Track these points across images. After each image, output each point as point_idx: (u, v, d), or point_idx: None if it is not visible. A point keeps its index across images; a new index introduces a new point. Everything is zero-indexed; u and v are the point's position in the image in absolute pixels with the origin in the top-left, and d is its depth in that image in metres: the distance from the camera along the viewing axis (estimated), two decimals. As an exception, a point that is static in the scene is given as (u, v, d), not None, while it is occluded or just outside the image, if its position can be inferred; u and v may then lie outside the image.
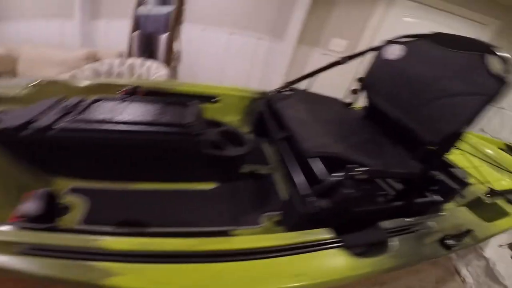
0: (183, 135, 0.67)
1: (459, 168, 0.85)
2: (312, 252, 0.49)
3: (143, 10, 2.23)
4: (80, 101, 0.77)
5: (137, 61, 2.35)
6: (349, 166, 0.54)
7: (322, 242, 0.51)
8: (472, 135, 1.46)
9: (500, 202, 0.90)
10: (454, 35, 0.76)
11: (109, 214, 0.66)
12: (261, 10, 2.18)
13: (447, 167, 0.81)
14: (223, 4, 2.26)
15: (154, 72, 2.20)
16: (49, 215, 0.57)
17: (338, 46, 2.19)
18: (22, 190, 0.65)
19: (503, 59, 0.59)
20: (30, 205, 0.53)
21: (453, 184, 0.73)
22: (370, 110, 1.01)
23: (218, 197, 0.76)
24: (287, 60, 2.23)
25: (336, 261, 0.50)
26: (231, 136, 0.87)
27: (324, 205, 0.52)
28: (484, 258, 1.28)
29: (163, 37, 2.26)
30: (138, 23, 2.30)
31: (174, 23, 2.16)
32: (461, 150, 1.33)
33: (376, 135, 0.83)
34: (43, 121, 0.67)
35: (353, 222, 0.59)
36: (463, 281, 1.24)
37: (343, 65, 1.06)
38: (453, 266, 1.32)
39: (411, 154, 0.73)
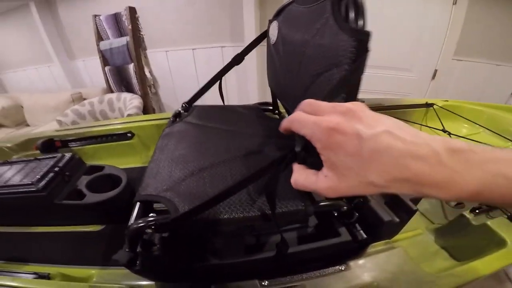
0: (31, 193, 0.71)
1: None
2: None
3: (105, 44, 2.29)
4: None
5: (113, 96, 2.42)
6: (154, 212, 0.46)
7: None
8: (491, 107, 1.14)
9: (494, 222, 0.57)
10: None
11: (7, 253, 0.79)
12: (214, 21, 2.13)
13: None
14: (178, 25, 2.25)
15: (129, 103, 2.25)
16: None
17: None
18: None
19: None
20: None
21: (384, 213, 0.46)
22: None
23: (101, 238, 0.78)
24: (254, 62, 2.13)
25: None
26: (109, 180, 0.83)
27: (123, 259, 0.44)
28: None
29: (131, 67, 2.29)
30: (105, 58, 2.36)
31: (135, 51, 2.18)
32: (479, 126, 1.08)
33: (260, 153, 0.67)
34: None
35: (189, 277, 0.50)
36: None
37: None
38: (504, 272, 1.06)
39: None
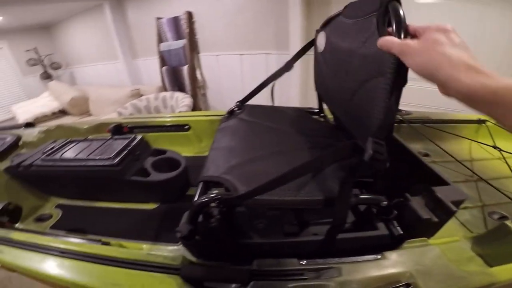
0: (107, 167, 0.82)
1: (452, 185, 0.55)
2: (144, 271, 0.51)
3: (165, 46, 2.52)
4: (59, 144, 0.97)
5: (167, 94, 2.66)
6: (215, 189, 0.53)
7: (162, 266, 0.51)
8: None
9: None
10: (359, 0, 0.58)
11: (70, 223, 0.89)
12: (261, 28, 2.23)
13: (431, 183, 0.55)
14: (229, 30, 2.39)
15: (180, 102, 2.46)
16: (10, 219, 0.75)
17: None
18: (34, 207, 0.94)
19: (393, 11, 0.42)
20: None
21: (423, 212, 0.49)
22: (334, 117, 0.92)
23: (155, 216, 0.87)
24: (298, 70, 2.19)
25: (160, 285, 0.49)
26: (170, 163, 0.94)
27: (184, 231, 0.51)
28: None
29: (185, 69, 2.50)
30: (163, 59, 2.60)
31: (190, 54, 2.38)
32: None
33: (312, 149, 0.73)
34: (28, 161, 0.90)
35: (242, 253, 0.56)
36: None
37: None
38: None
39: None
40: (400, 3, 0.43)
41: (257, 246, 0.56)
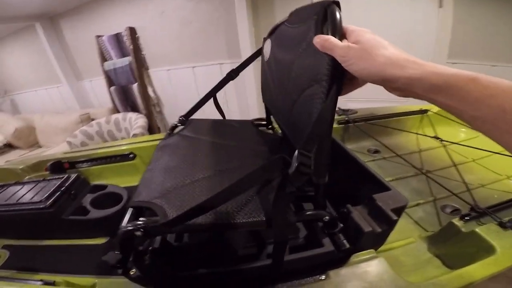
0: (40, 210, 0.80)
1: (393, 190, 0.52)
2: None
3: (109, 64, 2.38)
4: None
5: (120, 115, 2.50)
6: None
7: None
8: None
9: (483, 229, 0.57)
10: (301, 7, 0.57)
11: (20, 263, 0.84)
12: (211, 38, 2.19)
13: (376, 187, 0.54)
14: (177, 43, 2.31)
15: (134, 123, 2.32)
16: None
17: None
18: None
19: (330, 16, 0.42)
20: None
21: (364, 224, 0.46)
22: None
23: (106, 250, 0.82)
24: (253, 76, 2.17)
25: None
26: (111, 197, 0.91)
27: (112, 260, 0.46)
28: None
29: (135, 87, 2.38)
30: (110, 78, 2.46)
31: (138, 71, 2.26)
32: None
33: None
34: None
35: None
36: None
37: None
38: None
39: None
40: (339, 7, 0.42)
41: (203, 276, 0.51)
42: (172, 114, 2.72)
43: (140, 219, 0.46)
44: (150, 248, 0.47)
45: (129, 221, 0.49)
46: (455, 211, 0.76)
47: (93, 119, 2.76)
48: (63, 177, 0.93)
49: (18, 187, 0.93)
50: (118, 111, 2.61)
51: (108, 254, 0.46)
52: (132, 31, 2.22)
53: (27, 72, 3.40)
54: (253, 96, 2.26)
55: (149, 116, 2.41)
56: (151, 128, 2.39)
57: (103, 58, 2.43)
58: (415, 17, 1.65)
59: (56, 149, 2.70)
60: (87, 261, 0.82)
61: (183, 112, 0.96)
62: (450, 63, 1.66)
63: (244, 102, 2.34)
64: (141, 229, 0.44)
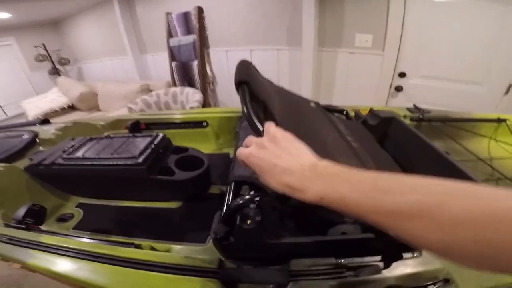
0: (132, 166, 0.80)
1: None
2: (182, 276, 0.50)
3: (175, 41, 2.51)
4: (78, 142, 0.96)
5: (177, 89, 2.66)
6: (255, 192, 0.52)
7: (200, 269, 0.50)
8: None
9: None
10: None
11: (93, 223, 0.87)
12: (274, 23, 2.21)
13: None
14: (239, 25, 2.37)
15: (191, 97, 2.46)
16: (36, 221, 0.75)
17: (364, 42, 2.02)
18: (55, 206, 0.93)
19: None
20: (18, 212, 0.72)
21: None
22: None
23: (179, 215, 0.86)
24: (310, 66, 2.17)
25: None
26: (192, 161, 0.93)
27: (221, 232, 0.51)
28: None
29: (195, 64, 2.50)
30: (173, 54, 2.60)
31: (200, 49, 2.37)
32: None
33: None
34: (49, 159, 0.89)
35: (272, 254, 0.54)
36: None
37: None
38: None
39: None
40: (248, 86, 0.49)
41: (291, 246, 0.56)
42: (224, 92, 2.81)
43: (251, 193, 0.50)
44: (257, 219, 0.49)
45: (233, 194, 0.54)
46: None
47: (151, 90, 2.96)
48: (152, 135, 0.94)
49: (108, 141, 0.94)
50: (175, 85, 2.76)
51: (216, 226, 0.50)
52: (200, 10, 2.32)
53: (96, 44, 3.70)
54: (308, 84, 2.26)
55: (204, 92, 2.53)
56: (204, 104, 2.50)
57: (170, 35, 2.56)
58: (504, 25, 1.52)
59: (116, 113, 2.94)
60: (162, 225, 0.83)
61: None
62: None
63: (297, 90, 2.35)
64: (256, 202, 0.48)
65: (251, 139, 0.42)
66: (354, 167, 0.53)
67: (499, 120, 1.11)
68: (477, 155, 0.94)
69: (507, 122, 1.09)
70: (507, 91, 1.65)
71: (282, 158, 0.35)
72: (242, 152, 0.41)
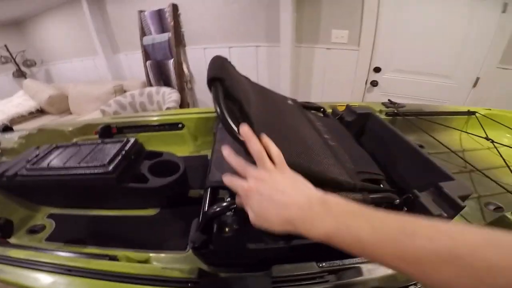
0: (101, 175, 0.76)
1: (456, 180, 0.54)
2: (160, 287, 0.47)
3: (148, 39, 2.43)
4: (43, 150, 0.90)
5: (153, 89, 2.57)
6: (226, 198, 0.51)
7: (179, 280, 0.48)
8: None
9: None
10: None
11: (66, 234, 0.82)
12: (251, 20, 2.18)
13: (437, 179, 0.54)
14: (216, 23, 2.32)
15: (167, 97, 2.38)
16: (2, 234, 0.71)
17: (340, 38, 2.04)
18: (24, 218, 0.86)
19: None
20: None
21: (433, 208, 0.49)
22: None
23: (157, 222, 0.82)
24: (288, 62, 2.16)
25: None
26: (167, 166, 0.89)
27: (199, 241, 0.49)
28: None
29: (171, 62, 2.42)
30: (147, 53, 2.51)
31: (175, 47, 2.30)
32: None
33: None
34: (11, 170, 0.83)
35: (258, 260, 0.53)
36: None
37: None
38: None
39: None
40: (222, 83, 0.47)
41: (271, 251, 0.54)
42: (202, 91, 2.75)
43: (228, 199, 0.47)
44: (235, 226, 0.48)
45: (209, 201, 0.53)
46: (498, 208, 0.77)
47: (125, 91, 2.84)
48: (122, 141, 0.89)
49: (75, 148, 0.88)
50: (151, 85, 2.67)
51: (192, 235, 0.48)
52: (175, 7, 2.25)
53: (65, 44, 3.50)
54: (287, 80, 2.25)
55: (181, 91, 2.47)
56: (182, 104, 2.44)
57: (143, 33, 2.47)
58: (474, 20, 1.59)
59: (88, 116, 2.80)
60: (139, 233, 0.79)
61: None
62: (501, 68, 1.61)
63: (276, 85, 2.34)
64: (233, 209, 0.45)
65: (248, 171, 0.38)
66: (332, 166, 0.54)
67: (469, 113, 1.15)
68: (450, 147, 0.97)
69: (476, 114, 1.13)
70: (475, 84, 1.73)
71: (285, 192, 0.33)
72: (239, 184, 0.38)
